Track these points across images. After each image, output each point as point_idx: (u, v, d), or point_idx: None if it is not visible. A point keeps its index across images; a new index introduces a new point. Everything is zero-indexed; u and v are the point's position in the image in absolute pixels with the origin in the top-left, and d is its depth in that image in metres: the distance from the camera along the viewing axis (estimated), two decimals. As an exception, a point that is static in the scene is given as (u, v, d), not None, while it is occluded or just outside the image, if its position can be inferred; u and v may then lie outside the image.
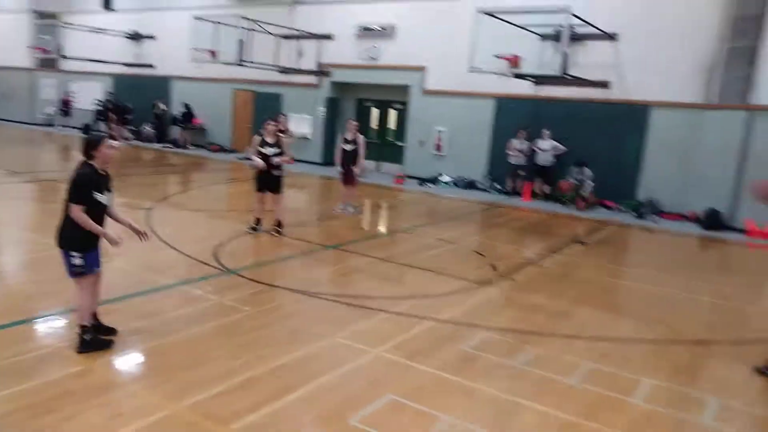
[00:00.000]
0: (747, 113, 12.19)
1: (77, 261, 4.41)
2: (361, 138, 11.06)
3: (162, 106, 22.40)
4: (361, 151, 11.01)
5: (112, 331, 4.81)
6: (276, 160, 8.98)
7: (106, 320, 4.90)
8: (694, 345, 5.86)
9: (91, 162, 4.45)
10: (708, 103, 13.05)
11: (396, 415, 4.03)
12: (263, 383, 4.30)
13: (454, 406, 4.20)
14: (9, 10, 26.73)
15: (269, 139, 9.02)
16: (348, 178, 11.20)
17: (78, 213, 4.33)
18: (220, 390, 4.13)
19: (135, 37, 23.66)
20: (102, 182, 4.49)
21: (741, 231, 12.25)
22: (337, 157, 11.35)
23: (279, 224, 9.13)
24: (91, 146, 4.45)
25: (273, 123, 9.18)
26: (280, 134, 13.79)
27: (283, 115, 15.21)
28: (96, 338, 4.57)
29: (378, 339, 5.27)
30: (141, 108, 23.10)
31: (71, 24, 22.41)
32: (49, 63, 25.87)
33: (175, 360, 4.58)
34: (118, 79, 24.55)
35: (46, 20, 24.26)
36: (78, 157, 4.60)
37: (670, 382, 4.87)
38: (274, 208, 9.19)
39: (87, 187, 4.37)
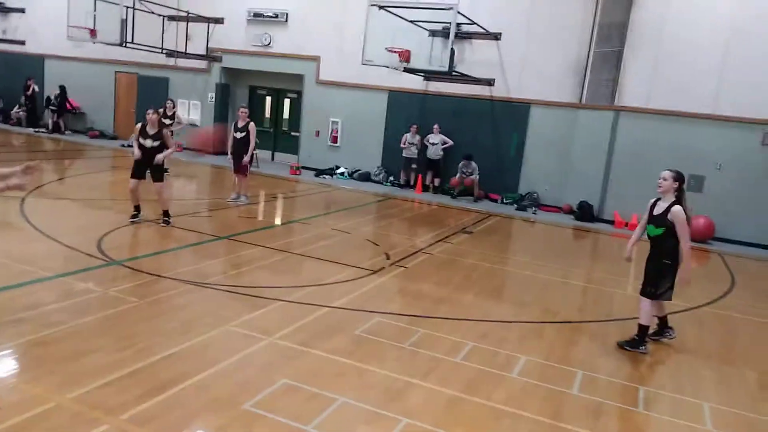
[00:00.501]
0: (614, 113, 13.42)
1: None
2: (251, 126, 10.90)
3: (34, 87, 20.64)
4: (252, 139, 10.85)
5: None
6: (159, 157, 8.59)
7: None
8: (565, 325, 6.45)
9: None
10: (580, 103, 14.21)
11: (290, 398, 4.13)
12: (153, 373, 4.22)
13: (346, 388, 4.37)
14: None
15: (150, 130, 8.64)
16: (239, 167, 11.02)
17: None
18: (108, 380, 4.02)
19: (1, 9, 21.58)
20: None
21: (609, 222, 13.49)
22: (228, 145, 11.14)
23: (165, 214, 8.87)
24: None
25: (154, 112, 8.71)
26: (166, 121, 13.37)
27: (171, 100, 14.66)
28: None
29: (272, 327, 5.33)
30: (10, 89, 21.14)
31: None
32: None
33: (59, 352, 4.38)
34: (-19, 54, 22.29)
35: None
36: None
37: (544, 358, 5.35)
38: (157, 198, 8.87)
39: None
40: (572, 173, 14.26)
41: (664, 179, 5.64)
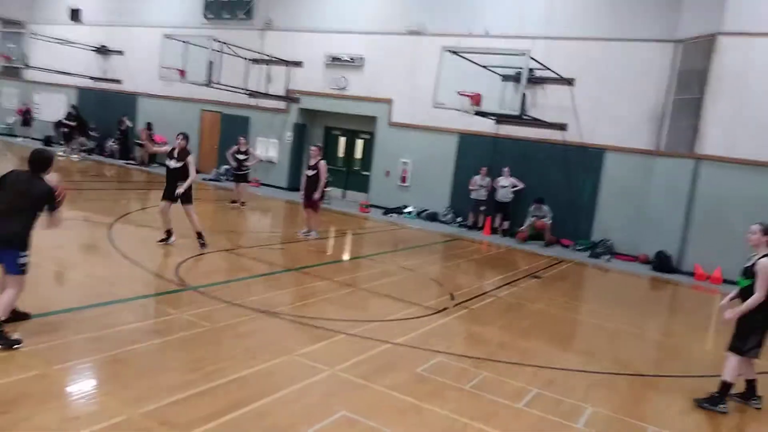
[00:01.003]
0: (694, 161, 12.92)
1: (26, 260, 4.88)
2: (322, 164, 11.20)
3: (127, 122, 22.21)
4: (322, 176, 11.14)
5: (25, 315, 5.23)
6: (179, 191, 8.82)
7: (65, 329, 4.89)
8: (637, 378, 6.15)
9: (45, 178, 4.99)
10: (658, 150, 13.79)
11: (347, 430, 4.15)
12: (220, 395, 4.36)
13: (405, 425, 4.34)
14: (-26, 15, 26.25)
15: (175, 153, 8.98)
16: (309, 203, 11.33)
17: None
18: (177, 399, 4.19)
19: (103, 51, 23.53)
20: None
21: (689, 274, 12.82)
22: (301, 182, 11.58)
23: (199, 236, 9.07)
24: (48, 163, 5.03)
25: (183, 138, 8.99)
26: (240, 156, 14.03)
27: (243, 137, 15.21)
28: (6, 337, 4.70)
29: (334, 358, 5.39)
30: (106, 123, 22.85)
31: (37, 34, 22.16)
32: (12, 71, 25.41)
33: (134, 369, 4.61)
34: (84, 92, 24.26)
35: (12, 27, 23.90)
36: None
37: (612, 410, 5.12)
38: (189, 221, 9.12)
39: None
40: (649, 222, 13.75)
41: (753, 233, 5.48)
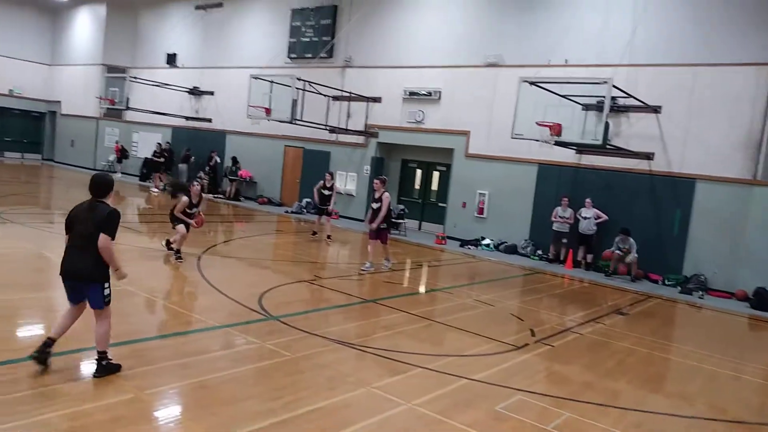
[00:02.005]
0: (796, 191, 12.04)
1: (108, 291, 4.89)
2: (386, 196, 11.24)
3: (216, 157, 23.45)
4: (384, 208, 11.16)
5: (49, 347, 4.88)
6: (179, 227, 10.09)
7: (155, 355, 5.16)
8: (736, 425, 5.71)
9: (108, 202, 4.97)
10: (755, 179, 12.96)
11: (426, 467, 4.09)
12: (299, 424, 4.44)
13: (484, 463, 4.24)
14: (85, 63, 28.84)
15: (194, 199, 10.27)
16: (378, 235, 11.38)
17: (111, 245, 4.80)
18: (258, 427, 4.30)
19: (195, 92, 25.11)
20: None
21: (791, 311, 11.84)
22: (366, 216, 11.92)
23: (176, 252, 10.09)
24: (108, 187, 5.02)
25: (200, 184, 10.46)
26: (325, 192, 14.42)
27: (330, 173, 15.62)
28: (110, 363, 4.89)
29: (411, 392, 5.36)
30: (196, 159, 24.24)
31: (137, 78, 24.01)
32: (114, 113, 27.58)
33: (218, 395, 4.79)
34: (177, 130, 25.92)
35: (116, 74, 26.02)
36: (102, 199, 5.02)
37: (708, 458, 4.77)
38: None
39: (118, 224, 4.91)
40: (747, 255, 12.86)
41: None
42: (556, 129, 12.24)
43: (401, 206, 18.37)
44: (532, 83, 12.49)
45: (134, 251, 10.58)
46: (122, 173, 26.34)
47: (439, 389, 5.56)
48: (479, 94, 17.11)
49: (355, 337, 6.86)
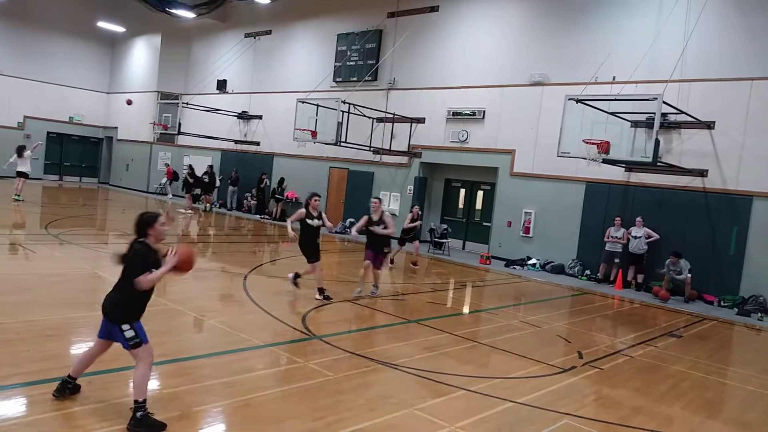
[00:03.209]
0: None
1: (131, 333, 4.44)
2: (388, 215, 10.30)
3: (267, 180, 23.97)
4: (390, 229, 10.13)
5: (77, 387, 4.75)
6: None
7: (202, 373, 5.27)
8: (800, 454, 5.39)
9: (144, 240, 4.56)
10: (818, 195, 12.36)
11: (469, 491, 4.02)
12: (341, 446, 4.44)
13: (529, 490, 4.13)
14: (141, 90, 30.11)
15: (314, 212, 9.57)
16: (373, 257, 10.23)
17: (144, 279, 4.41)
18: (301, 448, 4.32)
19: (244, 116, 25.83)
20: (154, 258, 4.56)
21: None
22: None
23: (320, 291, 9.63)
24: (146, 224, 4.56)
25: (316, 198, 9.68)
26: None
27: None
28: (148, 417, 4.34)
29: (455, 415, 5.29)
30: (245, 181, 24.85)
31: (189, 104, 24.89)
32: (167, 137, 28.61)
33: (263, 414, 4.85)
34: (226, 153, 26.68)
35: (169, 100, 27.05)
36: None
37: (770, 490, 4.51)
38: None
39: (145, 263, 4.47)
40: (810, 276, 12.22)
41: None
42: (604, 146, 11.99)
43: (444, 225, 18.30)
44: (578, 101, 12.33)
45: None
46: (173, 195, 27.20)
47: (484, 412, 5.47)
48: (524, 112, 16.98)
49: (397, 358, 6.83)
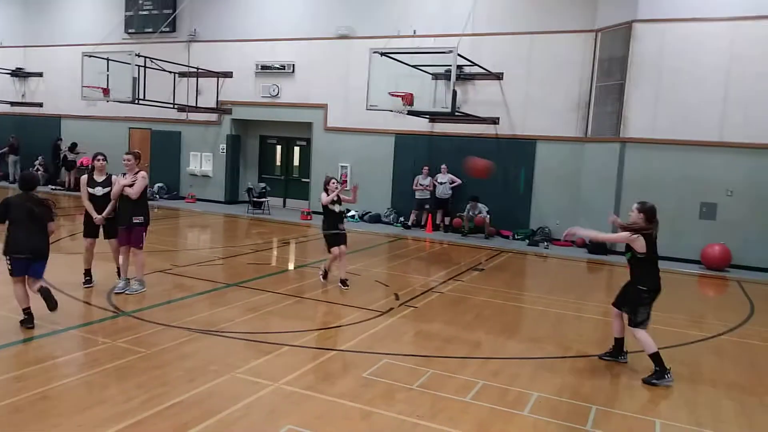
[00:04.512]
0: (620, 145, 13.41)
1: None
2: (141, 175, 7.68)
3: (61, 145, 21.23)
4: (136, 190, 7.61)
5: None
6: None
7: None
8: (579, 359, 6.31)
9: None
10: (586, 136, 14.26)
11: (295, 444, 4.06)
12: (157, 422, 4.19)
13: (352, 431, 4.29)
14: None
15: (98, 177, 7.79)
16: (128, 235, 7.70)
17: None
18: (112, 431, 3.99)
19: (20, 73, 22.44)
20: None
21: (622, 254, 13.28)
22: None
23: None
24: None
25: (103, 159, 7.87)
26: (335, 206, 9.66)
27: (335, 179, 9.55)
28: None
29: (277, 372, 5.28)
30: (30, 149, 21.80)
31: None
32: None
33: (63, 405, 4.37)
34: (2, 118, 23.08)
35: None
36: None
37: (556, 394, 5.22)
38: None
39: None
40: (583, 206, 14.21)
41: (631, 210, 5.90)
42: (408, 98, 12.53)
43: (263, 184, 17.94)
44: (382, 54, 12.63)
45: None
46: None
47: (307, 365, 5.54)
48: (334, 66, 17.03)
49: (217, 324, 6.60)
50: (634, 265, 5.87)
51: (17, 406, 4.37)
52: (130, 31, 19.80)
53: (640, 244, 5.72)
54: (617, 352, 6.18)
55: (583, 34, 14.30)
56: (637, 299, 5.82)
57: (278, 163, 19.35)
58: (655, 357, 5.65)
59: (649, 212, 5.74)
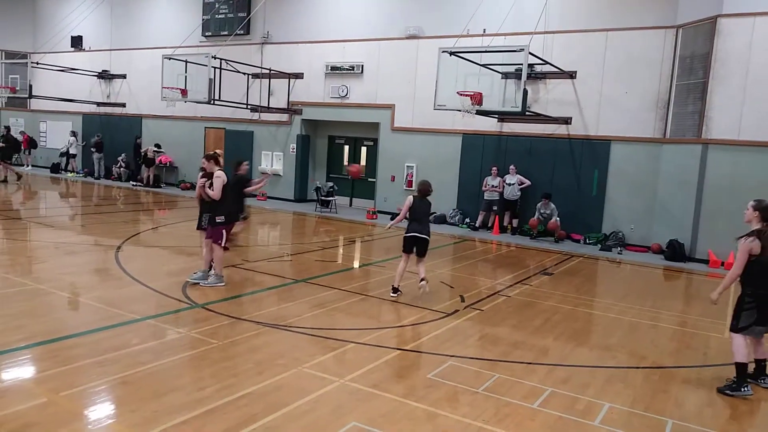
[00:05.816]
0: (702, 147, 12.73)
1: None
2: (219, 174, 8.02)
3: (140, 143, 22.38)
4: (217, 191, 7.90)
5: None
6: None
7: (71, 354, 4.86)
8: (654, 370, 6.02)
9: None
10: (664, 138, 13.63)
11: (360, 441, 4.08)
12: (228, 412, 4.31)
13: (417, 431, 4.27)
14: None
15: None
16: (209, 230, 8.12)
17: None
18: (185, 419, 4.14)
19: (105, 76, 23.76)
20: None
21: (703, 261, 12.63)
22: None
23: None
24: None
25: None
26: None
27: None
28: None
29: (343, 369, 5.33)
30: (112, 147, 23.07)
31: (40, 63, 22.42)
32: (17, 102, 25.71)
33: (141, 391, 4.58)
34: (88, 117, 24.53)
35: (15, 60, 24.22)
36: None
37: (630, 405, 5.01)
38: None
39: None
40: (660, 211, 13.59)
41: (746, 208, 5.57)
42: (477, 98, 12.38)
43: (330, 183, 18.20)
44: (451, 53, 12.54)
45: (50, 247, 9.98)
46: (31, 166, 24.72)
47: (372, 363, 5.56)
48: (402, 66, 17.07)
49: (285, 319, 6.74)
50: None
51: (99, 390, 4.61)
52: (207, 34, 20.56)
53: (756, 246, 5.38)
54: (758, 373, 5.70)
55: (662, 31, 13.67)
56: (739, 303, 5.50)
57: (345, 162, 19.57)
58: (740, 368, 5.32)
59: (765, 211, 5.43)
